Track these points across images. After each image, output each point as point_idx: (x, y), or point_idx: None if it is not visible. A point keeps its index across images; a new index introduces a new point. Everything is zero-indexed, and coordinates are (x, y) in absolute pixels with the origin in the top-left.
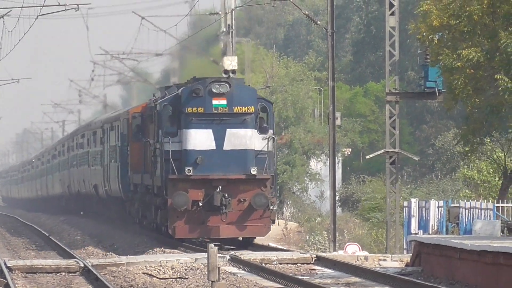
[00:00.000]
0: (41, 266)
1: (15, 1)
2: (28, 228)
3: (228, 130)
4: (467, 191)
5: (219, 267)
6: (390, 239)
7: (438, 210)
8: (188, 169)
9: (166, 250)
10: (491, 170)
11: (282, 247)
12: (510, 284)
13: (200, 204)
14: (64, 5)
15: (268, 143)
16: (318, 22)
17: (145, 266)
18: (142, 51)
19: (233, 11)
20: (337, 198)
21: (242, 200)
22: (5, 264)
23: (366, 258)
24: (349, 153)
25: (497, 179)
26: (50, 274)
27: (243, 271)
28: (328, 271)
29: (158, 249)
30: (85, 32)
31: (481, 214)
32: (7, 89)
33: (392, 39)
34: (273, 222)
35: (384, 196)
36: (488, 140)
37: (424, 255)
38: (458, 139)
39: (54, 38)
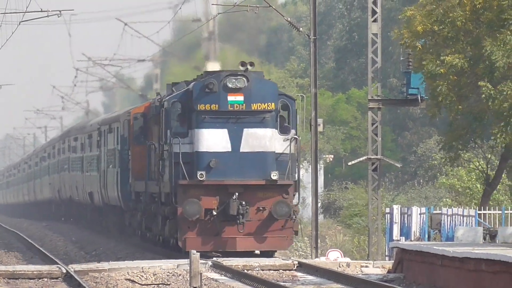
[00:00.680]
0: (23, 272)
1: None
2: (10, 233)
3: (245, 130)
4: (447, 199)
5: (201, 273)
6: (372, 245)
7: (420, 216)
8: (201, 174)
9: (148, 255)
10: (474, 177)
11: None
12: None
13: (214, 213)
14: (46, 11)
15: (290, 145)
16: (301, 28)
17: (127, 272)
18: (125, 57)
19: (216, 18)
20: (319, 204)
21: (261, 208)
22: None
23: (348, 264)
24: (331, 159)
25: (478, 186)
26: (32, 280)
27: (225, 277)
28: (310, 277)
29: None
30: (67, 38)
31: (463, 221)
32: None
33: (375, 46)
34: (296, 233)
35: (366, 202)
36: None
37: (406, 262)
38: (441, 146)
39: (36, 44)
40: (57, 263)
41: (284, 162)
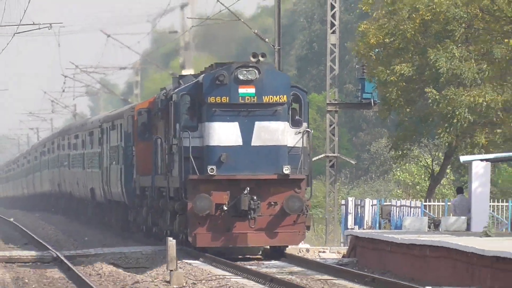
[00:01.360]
0: (18, 257)
1: None
2: (5, 223)
3: (257, 123)
4: (398, 191)
5: (177, 258)
6: (329, 233)
7: (372, 207)
8: (211, 168)
9: (129, 242)
10: (422, 173)
11: None
12: (435, 273)
13: (225, 208)
14: (38, 24)
15: (302, 138)
16: (266, 39)
17: (112, 257)
18: (108, 65)
19: (190, 30)
20: None
21: (273, 203)
22: None
23: (307, 250)
24: None
25: (426, 180)
26: (27, 264)
27: (198, 262)
28: (274, 261)
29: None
30: (57, 48)
31: (410, 211)
32: None
33: (333, 55)
34: (308, 228)
35: (324, 195)
36: (416, 146)
37: (359, 248)
38: (390, 145)
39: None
40: (49, 249)
41: (297, 156)
